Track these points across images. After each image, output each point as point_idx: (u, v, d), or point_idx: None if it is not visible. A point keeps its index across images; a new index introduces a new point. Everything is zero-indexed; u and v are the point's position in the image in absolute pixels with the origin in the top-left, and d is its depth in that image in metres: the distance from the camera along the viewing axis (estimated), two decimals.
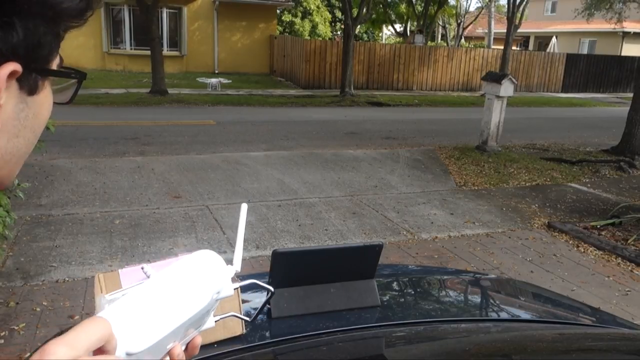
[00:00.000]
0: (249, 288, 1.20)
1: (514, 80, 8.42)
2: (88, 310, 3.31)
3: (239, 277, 0.67)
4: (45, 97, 0.49)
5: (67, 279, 3.79)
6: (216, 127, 10.13)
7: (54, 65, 0.49)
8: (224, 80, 16.36)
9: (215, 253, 0.56)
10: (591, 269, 4.51)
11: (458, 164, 7.87)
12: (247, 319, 0.73)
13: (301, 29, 27.92)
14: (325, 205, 5.79)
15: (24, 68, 0.44)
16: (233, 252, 0.62)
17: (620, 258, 4.73)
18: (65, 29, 0.48)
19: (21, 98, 0.46)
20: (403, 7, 26.10)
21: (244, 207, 0.46)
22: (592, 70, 22.63)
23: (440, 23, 29.67)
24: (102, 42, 18.88)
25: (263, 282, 0.70)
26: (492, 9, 26.47)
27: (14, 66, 0.43)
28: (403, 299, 1.48)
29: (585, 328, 1.39)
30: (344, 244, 4.33)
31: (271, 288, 0.70)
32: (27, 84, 0.46)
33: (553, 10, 35.00)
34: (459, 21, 28.46)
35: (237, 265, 0.59)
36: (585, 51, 29.08)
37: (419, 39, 21.77)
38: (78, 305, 3.43)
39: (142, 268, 0.69)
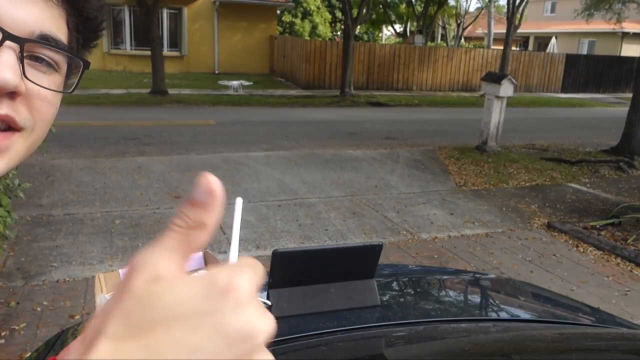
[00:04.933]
0: None
1: (513, 80, 8.42)
2: (89, 310, 3.32)
3: None
4: None
5: (67, 278, 3.79)
6: (216, 127, 10.13)
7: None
8: (245, 83, 16.12)
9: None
10: (591, 269, 4.52)
11: (458, 164, 7.88)
12: (269, 302, 0.71)
13: (301, 29, 27.93)
14: (325, 205, 5.79)
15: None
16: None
17: (619, 258, 4.74)
18: None
19: None
20: (403, 7, 26.12)
21: (239, 201, 0.45)
22: (591, 71, 22.63)
23: (440, 23, 29.68)
24: (103, 43, 18.86)
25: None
26: (492, 10, 26.48)
27: None
28: (403, 299, 1.48)
29: (585, 328, 1.40)
30: (344, 244, 4.33)
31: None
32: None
33: (552, 10, 35.03)
34: (458, 21, 28.46)
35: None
36: (584, 51, 29.09)
37: (419, 39, 21.77)
38: (78, 305, 3.43)
39: None
